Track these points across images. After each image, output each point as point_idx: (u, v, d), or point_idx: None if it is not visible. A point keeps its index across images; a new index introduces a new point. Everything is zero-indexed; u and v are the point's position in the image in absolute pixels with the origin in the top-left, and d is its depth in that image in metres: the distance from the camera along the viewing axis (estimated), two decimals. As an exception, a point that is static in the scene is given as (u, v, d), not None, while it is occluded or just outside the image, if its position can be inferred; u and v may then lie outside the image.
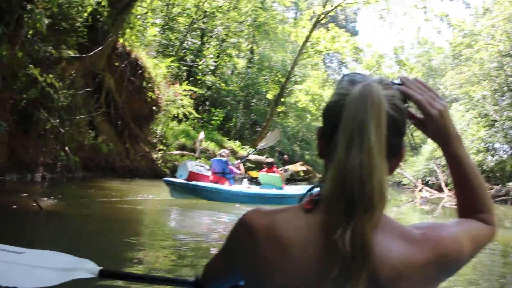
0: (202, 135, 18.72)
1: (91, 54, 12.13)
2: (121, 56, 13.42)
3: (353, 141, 0.79)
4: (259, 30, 27.14)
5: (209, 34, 27.71)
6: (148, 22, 20.70)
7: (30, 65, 8.53)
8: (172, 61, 16.25)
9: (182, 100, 15.25)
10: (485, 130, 33.69)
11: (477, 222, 1.00)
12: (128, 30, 13.61)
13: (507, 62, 32.35)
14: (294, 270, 0.83)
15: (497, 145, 37.14)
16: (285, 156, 24.13)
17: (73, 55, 11.32)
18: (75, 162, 10.83)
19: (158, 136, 15.69)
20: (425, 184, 36.46)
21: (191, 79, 26.83)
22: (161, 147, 15.36)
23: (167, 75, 15.36)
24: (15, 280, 1.34)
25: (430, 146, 39.25)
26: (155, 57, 16.58)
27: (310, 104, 24.17)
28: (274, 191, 10.61)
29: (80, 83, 12.05)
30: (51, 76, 8.90)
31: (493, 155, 36.23)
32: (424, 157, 39.98)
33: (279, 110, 26.76)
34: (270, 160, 12.42)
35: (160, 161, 14.78)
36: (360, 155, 0.79)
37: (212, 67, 27.49)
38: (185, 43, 25.51)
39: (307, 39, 21.68)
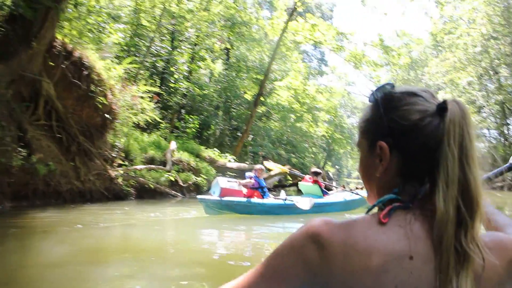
0: (173, 145, 15.92)
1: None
2: (60, 55, 10.57)
3: (465, 155, 0.83)
4: (232, 30, 24.53)
5: (180, 38, 24.98)
6: (111, 28, 18.14)
7: None
8: (130, 62, 13.37)
9: (141, 104, 12.32)
10: (473, 117, 31.86)
11: None
12: (66, 23, 10.82)
13: (491, 45, 30.35)
14: (379, 285, 0.80)
15: (485, 131, 35.45)
16: (270, 161, 21.42)
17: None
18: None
19: (117, 149, 12.80)
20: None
21: (164, 87, 24.16)
22: (121, 162, 12.47)
23: (122, 77, 12.44)
24: None
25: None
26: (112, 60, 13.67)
27: (293, 101, 21.51)
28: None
29: (5, 90, 9.27)
30: None
31: (483, 142, 34.33)
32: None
33: (261, 110, 24.09)
34: (315, 169, 11.76)
35: (120, 179, 11.90)
36: (473, 168, 0.82)
37: (186, 73, 24.80)
38: (153, 48, 22.68)
39: (284, 30, 18.98)
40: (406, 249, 0.81)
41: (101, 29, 17.46)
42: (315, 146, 36.77)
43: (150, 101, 13.03)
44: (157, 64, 24.09)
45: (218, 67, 27.38)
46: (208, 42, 24.79)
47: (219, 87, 25.64)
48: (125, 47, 20.66)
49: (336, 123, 30.81)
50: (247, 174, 10.45)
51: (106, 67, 12.11)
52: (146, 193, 12.67)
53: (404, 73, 44.91)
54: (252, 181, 10.03)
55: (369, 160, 0.96)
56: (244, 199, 9.55)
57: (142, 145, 15.35)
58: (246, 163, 18.75)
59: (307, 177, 11.55)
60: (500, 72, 30.98)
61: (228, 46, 25.82)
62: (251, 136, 24.89)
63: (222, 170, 17.22)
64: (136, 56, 21.50)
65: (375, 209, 0.91)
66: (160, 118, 20.40)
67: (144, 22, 22.60)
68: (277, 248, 0.85)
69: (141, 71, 22.94)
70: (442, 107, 0.88)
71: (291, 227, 8.85)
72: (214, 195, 9.44)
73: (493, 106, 32.57)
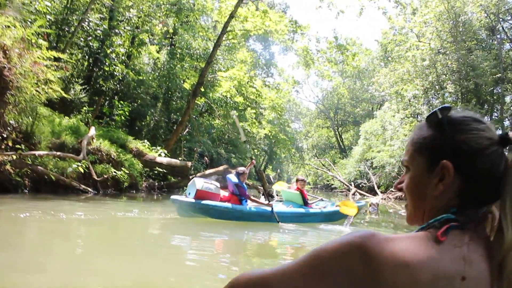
0: (92, 131, 13.23)
1: None
2: None
3: None
4: (178, 17, 22.01)
5: (119, 18, 22.10)
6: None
7: None
8: (40, 26, 10.53)
9: (44, 73, 9.57)
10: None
11: None
12: None
13: (439, 60, 29.87)
14: None
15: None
16: (206, 159, 19.21)
17: None
18: None
19: (12, 129, 10.01)
20: (357, 186, 33.39)
21: (99, 70, 21.24)
22: (11, 144, 9.68)
23: (24, 38, 9.61)
24: None
25: (360, 148, 36.46)
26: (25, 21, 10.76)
27: (236, 92, 19.34)
28: (290, 209, 9.88)
29: None
30: None
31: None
32: (354, 159, 37.09)
33: (199, 102, 21.70)
34: (301, 177, 10.87)
35: (9, 166, 9.16)
36: None
37: (123, 57, 21.94)
38: (86, 24, 19.71)
39: (232, 15, 16.74)
40: (459, 269, 0.78)
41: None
42: (257, 148, 34.89)
43: (57, 69, 10.26)
44: (91, 44, 21.12)
45: (163, 56, 24.76)
46: (149, 25, 22.14)
47: (158, 74, 22.94)
48: (52, 19, 17.58)
49: (281, 123, 29.01)
50: (230, 177, 9.51)
51: (3, 24, 9.33)
52: (45, 186, 10.00)
53: (351, 82, 44.19)
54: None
55: (424, 179, 0.92)
56: (221, 204, 8.84)
57: (57, 129, 12.58)
58: (179, 159, 16.33)
59: (293, 185, 11.02)
60: (446, 88, 30.57)
61: (171, 31, 23.22)
62: (188, 130, 22.43)
63: (150, 165, 14.72)
64: (67, 31, 18.59)
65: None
66: (87, 102, 17.68)
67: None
68: (318, 249, 0.79)
69: (73, 51, 20.13)
70: (506, 138, 0.89)
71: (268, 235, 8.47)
72: (189, 197, 8.79)
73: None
